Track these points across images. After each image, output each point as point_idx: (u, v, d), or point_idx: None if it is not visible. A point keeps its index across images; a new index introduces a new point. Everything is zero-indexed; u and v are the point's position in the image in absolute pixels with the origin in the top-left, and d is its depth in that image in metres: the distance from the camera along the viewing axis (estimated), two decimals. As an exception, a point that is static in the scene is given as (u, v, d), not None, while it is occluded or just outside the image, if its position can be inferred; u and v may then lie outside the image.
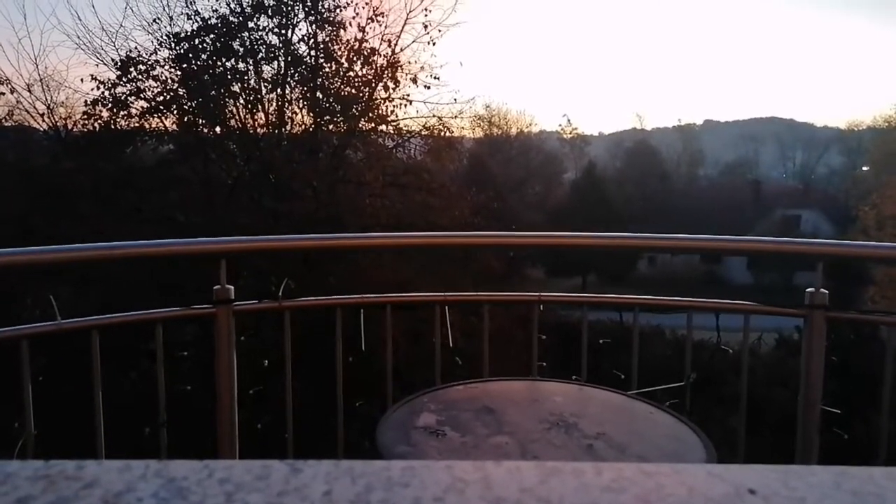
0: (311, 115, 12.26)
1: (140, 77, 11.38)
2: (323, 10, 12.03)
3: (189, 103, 11.64)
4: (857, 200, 25.59)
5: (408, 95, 12.52)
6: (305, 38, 12.14)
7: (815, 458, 2.06)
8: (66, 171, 11.49)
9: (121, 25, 11.50)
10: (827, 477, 0.46)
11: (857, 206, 24.76)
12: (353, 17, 12.17)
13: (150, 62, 11.43)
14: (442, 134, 13.47)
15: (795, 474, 0.46)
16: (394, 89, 12.34)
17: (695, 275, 31.49)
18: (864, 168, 36.63)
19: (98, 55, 11.48)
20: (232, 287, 2.10)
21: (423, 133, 13.43)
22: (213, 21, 11.52)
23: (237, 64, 11.74)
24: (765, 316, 2.28)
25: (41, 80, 11.54)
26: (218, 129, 12.04)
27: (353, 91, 12.26)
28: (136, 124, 11.61)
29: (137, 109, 11.46)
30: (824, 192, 42.18)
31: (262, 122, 12.16)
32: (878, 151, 32.90)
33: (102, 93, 11.20)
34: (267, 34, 11.87)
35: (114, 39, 11.47)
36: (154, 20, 11.48)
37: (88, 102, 11.26)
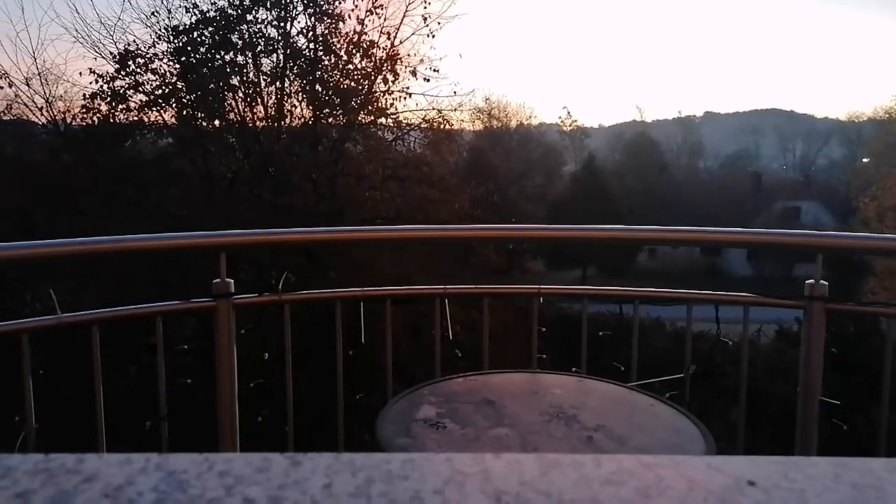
0: (311, 108, 12.23)
1: (139, 70, 11.34)
2: (322, 3, 11.98)
3: (188, 97, 11.60)
4: (858, 192, 25.52)
5: (407, 88, 12.48)
6: (304, 30, 12.10)
7: (815, 450, 2.07)
8: (64, 166, 11.47)
9: (119, 19, 11.49)
10: (826, 469, 0.46)
11: (858, 197, 24.70)
12: (352, 10, 12.14)
13: (148, 55, 11.40)
14: (441, 127, 13.44)
15: (795, 466, 0.46)
16: (393, 82, 12.31)
17: (695, 267, 31.54)
18: (865, 159, 36.51)
19: (96, 48, 11.46)
20: (232, 281, 2.10)
21: (422, 126, 13.40)
22: (212, 14, 11.47)
23: (236, 57, 11.69)
24: (765, 308, 2.28)
25: (39, 73, 11.52)
26: (217, 122, 12.01)
27: (353, 84, 12.22)
28: (135, 118, 11.58)
29: (136, 103, 11.44)
30: (824, 183, 42.16)
31: (261, 115, 12.14)
32: (878, 143, 32.76)
33: (101, 86, 11.18)
34: (265, 27, 11.83)
35: (112, 33, 11.45)
36: (152, 13, 11.45)
37: (87, 96, 11.23)
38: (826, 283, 2.05)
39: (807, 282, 2.07)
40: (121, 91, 11.26)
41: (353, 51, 12.15)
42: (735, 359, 2.69)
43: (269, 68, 12.04)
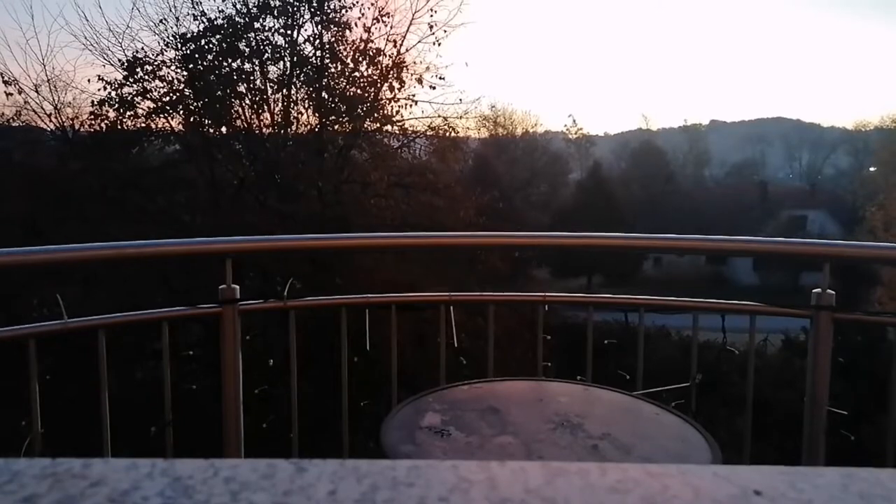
0: (317, 115, 12.28)
1: (146, 77, 11.42)
2: (328, 11, 12.06)
3: (195, 104, 11.67)
4: (865, 201, 25.48)
5: (413, 96, 12.54)
6: (311, 38, 12.18)
7: (822, 460, 2.05)
8: (72, 172, 11.54)
9: (127, 26, 11.55)
10: (834, 479, 0.46)
11: (865, 206, 24.65)
12: (359, 18, 12.21)
13: (156, 63, 11.48)
14: (447, 134, 13.48)
15: (802, 476, 0.46)
16: (399, 89, 12.37)
17: (700, 275, 31.40)
18: (872, 169, 36.42)
19: (105, 56, 11.54)
20: (238, 287, 2.11)
21: (428, 133, 13.44)
22: (220, 22, 11.56)
23: (243, 64, 11.77)
24: (771, 317, 2.27)
25: (48, 80, 11.58)
26: (224, 129, 12.08)
27: (359, 91, 12.27)
28: (143, 125, 11.66)
29: (144, 110, 11.51)
30: (831, 192, 42.01)
31: (267, 122, 12.20)
32: (885, 152, 32.70)
33: (109, 93, 11.26)
34: (273, 35, 11.91)
35: (120, 40, 11.53)
36: (160, 21, 11.53)
37: (95, 103, 11.31)
38: (833, 293, 2.04)
39: (813, 291, 2.06)
40: (128, 98, 11.33)
41: (360, 58, 12.21)
42: (741, 368, 2.68)
43: (275, 76, 12.13)
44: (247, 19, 11.68)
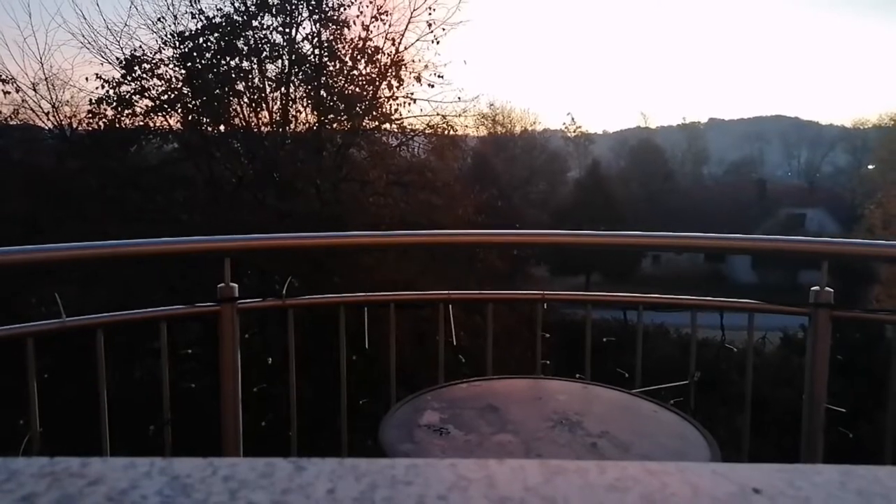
0: (315, 113, 12.27)
1: (144, 76, 11.40)
2: (327, 9, 12.04)
3: (193, 102, 11.65)
4: (863, 199, 25.51)
5: (412, 94, 12.54)
6: (309, 36, 12.17)
7: (820, 458, 2.05)
8: (70, 171, 11.53)
9: (125, 24, 11.54)
10: (832, 476, 0.46)
11: (863, 204, 24.67)
12: (357, 16, 12.20)
13: (154, 61, 11.46)
14: (446, 132, 13.48)
15: (801, 473, 0.46)
16: (398, 88, 12.36)
17: (699, 273, 31.48)
18: (870, 166, 36.44)
19: (103, 54, 11.52)
20: (236, 285, 2.10)
21: (426, 131, 13.44)
22: (218, 20, 11.54)
23: (241, 62, 11.76)
24: (769, 315, 2.27)
25: (46, 78, 11.58)
26: (222, 127, 12.06)
27: (357, 89, 12.27)
28: (141, 123, 11.64)
29: (142, 108, 11.50)
30: (829, 190, 42.06)
31: (266, 120, 12.18)
32: (884, 150, 32.70)
33: (107, 92, 11.24)
34: (271, 33, 11.89)
35: (118, 38, 11.51)
36: (158, 19, 11.52)
37: (93, 101, 11.30)
38: (831, 290, 2.04)
39: (812, 289, 2.06)
40: (126, 96, 11.31)
41: (358, 56, 12.20)
42: (740, 366, 2.68)
43: (274, 74, 12.11)
44: (245, 17, 11.66)
